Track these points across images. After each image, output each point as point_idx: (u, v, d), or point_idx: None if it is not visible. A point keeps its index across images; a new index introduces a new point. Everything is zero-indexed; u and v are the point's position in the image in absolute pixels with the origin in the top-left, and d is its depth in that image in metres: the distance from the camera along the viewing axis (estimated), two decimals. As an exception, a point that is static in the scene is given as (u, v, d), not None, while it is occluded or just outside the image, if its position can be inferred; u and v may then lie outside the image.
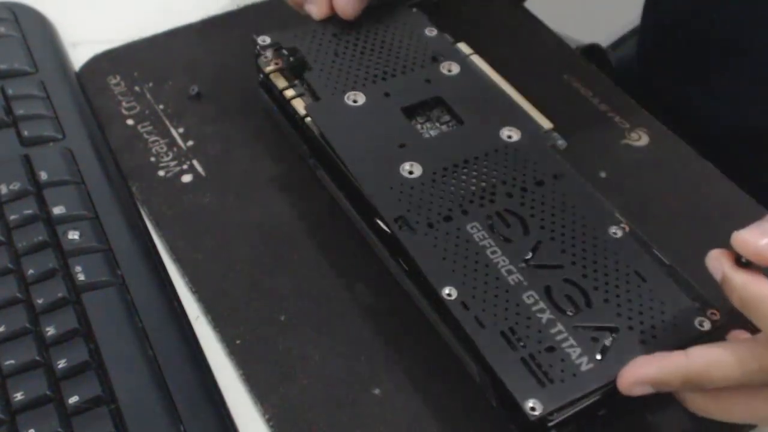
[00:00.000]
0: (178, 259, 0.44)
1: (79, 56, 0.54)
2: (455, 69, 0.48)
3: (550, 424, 0.35)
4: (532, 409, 0.34)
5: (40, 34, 0.54)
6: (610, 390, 0.35)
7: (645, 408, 0.38)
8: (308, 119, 0.45)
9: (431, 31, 0.50)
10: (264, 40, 0.48)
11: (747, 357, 0.32)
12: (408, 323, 0.41)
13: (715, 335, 0.37)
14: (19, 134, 0.47)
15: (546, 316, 0.37)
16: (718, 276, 0.33)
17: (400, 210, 0.40)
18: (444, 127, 0.45)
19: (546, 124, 0.45)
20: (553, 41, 0.56)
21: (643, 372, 0.34)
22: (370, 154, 0.43)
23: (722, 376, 0.32)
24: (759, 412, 0.33)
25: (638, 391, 0.34)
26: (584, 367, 0.35)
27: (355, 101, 0.45)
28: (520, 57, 0.54)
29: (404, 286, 0.42)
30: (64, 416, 0.36)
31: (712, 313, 0.37)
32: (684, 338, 0.36)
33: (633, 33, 0.83)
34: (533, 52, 0.55)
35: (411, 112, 0.45)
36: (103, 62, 0.53)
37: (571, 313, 0.37)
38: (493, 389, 0.38)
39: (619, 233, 0.40)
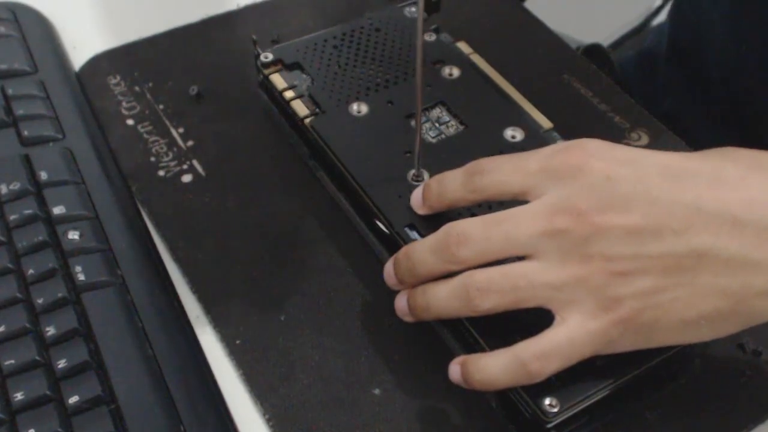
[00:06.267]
0: (178, 259, 0.44)
1: (79, 56, 0.54)
2: (456, 72, 0.48)
3: (550, 425, 0.35)
4: (551, 406, 0.34)
5: (40, 34, 0.54)
6: (624, 385, 0.36)
7: (645, 408, 0.38)
8: (308, 122, 0.45)
9: (430, 36, 0.50)
10: (266, 56, 0.48)
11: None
12: (408, 323, 0.41)
13: None
14: (19, 134, 0.47)
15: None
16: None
17: (410, 217, 0.40)
18: (449, 131, 0.45)
19: (546, 124, 0.45)
20: (553, 41, 0.56)
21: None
22: (378, 164, 0.43)
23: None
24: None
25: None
26: (599, 362, 0.35)
27: (359, 111, 0.45)
28: (520, 57, 0.54)
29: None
30: (64, 416, 0.36)
31: None
32: None
33: (633, 33, 0.82)
34: (533, 52, 0.55)
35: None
36: (103, 62, 0.53)
37: None
38: (493, 390, 0.38)
39: None
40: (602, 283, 0.33)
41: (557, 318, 0.34)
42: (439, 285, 0.36)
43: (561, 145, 0.35)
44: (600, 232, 0.33)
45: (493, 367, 0.35)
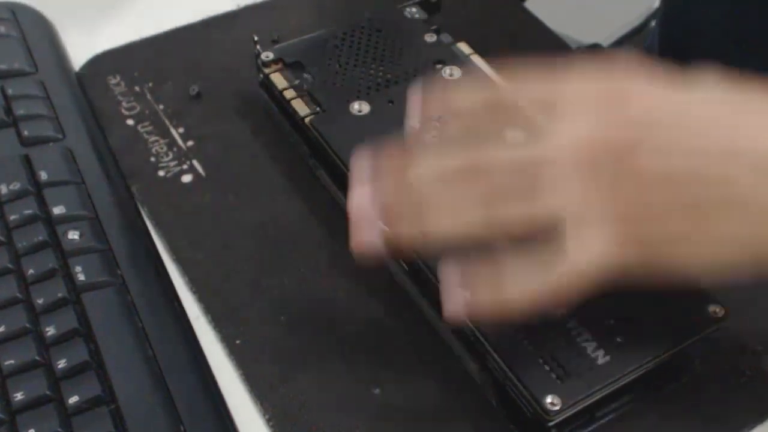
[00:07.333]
0: (178, 259, 0.44)
1: (79, 56, 0.54)
2: (457, 73, 0.48)
3: (551, 424, 0.35)
4: (552, 404, 0.34)
5: (40, 34, 0.54)
6: (625, 383, 0.36)
7: (645, 408, 0.38)
8: (309, 121, 0.45)
9: (431, 37, 0.50)
10: (267, 55, 0.48)
11: None
12: (408, 323, 0.41)
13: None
14: (19, 134, 0.47)
15: (560, 311, 0.37)
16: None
17: None
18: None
19: (546, 124, 0.45)
20: (553, 41, 0.56)
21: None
22: None
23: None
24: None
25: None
26: (600, 360, 0.35)
27: (359, 110, 0.45)
28: (520, 57, 0.54)
29: (404, 285, 0.42)
30: (64, 416, 0.36)
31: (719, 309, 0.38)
32: (697, 326, 0.37)
33: (633, 33, 0.83)
34: (533, 52, 0.55)
35: None
36: (103, 62, 0.53)
37: (585, 307, 0.37)
38: (493, 389, 0.38)
39: None
40: (632, 219, 0.32)
41: (576, 242, 0.32)
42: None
43: (602, 79, 0.34)
44: (634, 174, 0.32)
45: (512, 285, 0.33)
